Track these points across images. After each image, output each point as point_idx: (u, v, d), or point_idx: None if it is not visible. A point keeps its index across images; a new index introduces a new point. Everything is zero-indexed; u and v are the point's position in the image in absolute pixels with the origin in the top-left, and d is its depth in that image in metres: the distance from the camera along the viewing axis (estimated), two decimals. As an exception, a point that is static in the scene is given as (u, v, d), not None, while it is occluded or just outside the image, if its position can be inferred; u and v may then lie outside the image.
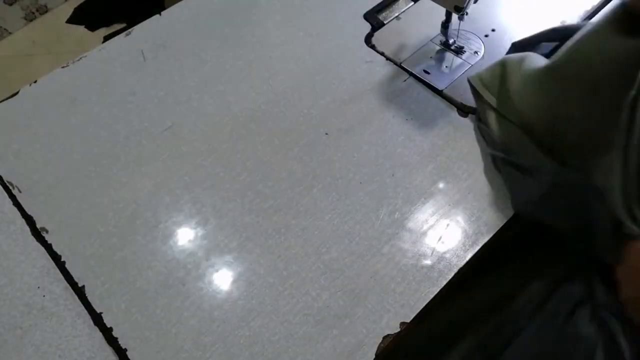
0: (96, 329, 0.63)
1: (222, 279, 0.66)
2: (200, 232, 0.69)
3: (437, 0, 0.75)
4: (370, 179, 0.72)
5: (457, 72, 0.81)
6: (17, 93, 0.81)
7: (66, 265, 0.67)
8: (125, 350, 0.61)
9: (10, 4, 1.31)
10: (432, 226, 0.68)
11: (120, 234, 0.69)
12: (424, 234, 0.68)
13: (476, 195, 0.70)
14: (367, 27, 0.88)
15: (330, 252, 0.67)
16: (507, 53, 0.77)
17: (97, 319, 0.64)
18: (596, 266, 0.62)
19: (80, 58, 0.85)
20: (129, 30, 0.88)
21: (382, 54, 0.85)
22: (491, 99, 0.71)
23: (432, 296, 0.64)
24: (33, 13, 1.36)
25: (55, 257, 0.67)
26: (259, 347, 0.61)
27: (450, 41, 0.84)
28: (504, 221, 0.67)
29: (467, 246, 0.67)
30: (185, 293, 0.65)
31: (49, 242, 0.68)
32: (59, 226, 0.70)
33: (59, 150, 0.76)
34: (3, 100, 0.82)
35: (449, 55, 0.84)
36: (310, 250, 0.68)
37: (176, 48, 0.86)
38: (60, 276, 0.66)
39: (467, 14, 0.74)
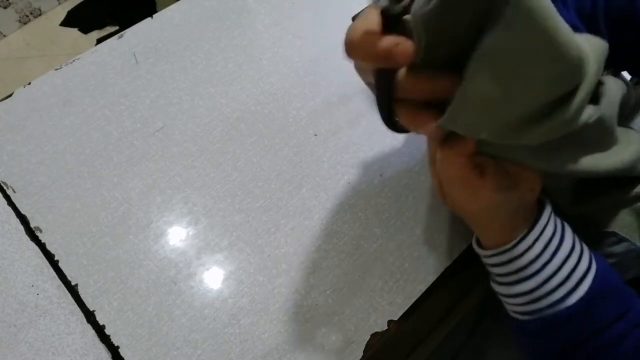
0: (89, 326, 0.64)
1: (213, 277, 0.67)
2: (191, 231, 0.70)
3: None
4: (358, 179, 0.73)
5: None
6: (11, 95, 0.82)
7: (59, 264, 0.68)
8: (118, 347, 0.62)
9: (5, 7, 1.31)
10: (419, 226, 0.69)
11: (112, 233, 0.70)
12: (412, 234, 0.69)
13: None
14: (355, 30, 0.89)
15: (319, 251, 0.68)
16: None
17: (89, 316, 0.64)
18: None
19: (74, 60, 0.86)
20: (122, 33, 0.89)
21: (370, 56, 0.86)
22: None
23: (419, 295, 0.66)
24: (27, 16, 1.36)
25: (49, 256, 0.68)
26: (249, 344, 0.62)
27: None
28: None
29: (453, 246, 0.68)
30: (177, 291, 0.66)
31: (42, 241, 0.69)
32: (52, 225, 0.70)
33: (53, 150, 0.76)
34: (-3, 102, 0.83)
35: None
36: (299, 249, 0.69)
37: (168, 50, 0.86)
38: (54, 275, 0.67)
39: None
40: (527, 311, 0.52)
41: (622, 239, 0.58)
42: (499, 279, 0.55)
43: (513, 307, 0.55)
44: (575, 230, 0.60)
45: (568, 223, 0.62)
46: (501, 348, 0.79)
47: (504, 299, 0.56)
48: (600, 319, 0.50)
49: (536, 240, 0.51)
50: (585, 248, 0.54)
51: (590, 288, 0.50)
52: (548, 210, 0.54)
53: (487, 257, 0.55)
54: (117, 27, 1.31)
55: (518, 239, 0.51)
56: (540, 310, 0.51)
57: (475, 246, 0.58)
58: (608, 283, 0.52)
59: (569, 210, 0.61)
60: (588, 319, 0.50)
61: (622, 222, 0.60)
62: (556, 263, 0.51)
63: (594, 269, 0.51)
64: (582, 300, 0.50)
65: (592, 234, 0.59)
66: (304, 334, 0.63)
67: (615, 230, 0.58)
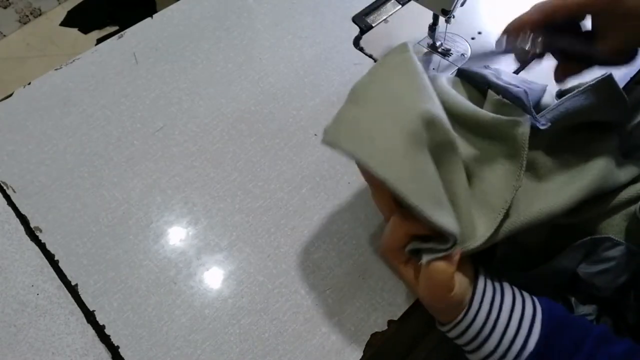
0: (89, 326, 0.64)
1: (213, 277, 0.67)
2: (191, 231, 0.70)
3: (424, 3, 0.76)
4: (358, 179, 0.73)
5: (444, 74, 0.82)
6: (11, 95, 0.82)
7: (59, 264, 0.68)
8: (118, 347, 0.62)
9: (5, 7, 1.32)
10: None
11: (112, 233, 0.70)
12: (411, 232, 0.68)
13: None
14: (355, 30, 0.89)
15: (319, 251, 0.68)
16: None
17: (89, 316, 0.64)
18: None
19: (74, 60, 0.86)
20: (122, 33, 0.89)
21: (370, 56, 0.86)
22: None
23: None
24: (27, 16, 1.37)
25: (49, 256, 0.68)
26: (249, 344, 0.62)
27: (438, 44, 0.85)
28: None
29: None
30: (177, 291, 0.66)
31: (42, 241, 0.69)
32: (52, 225, 0.70)
33: (53, 150, 0.76)
34: (-3, 102, 0.83)
35: (436, 57, 0.85)
36: (299, 249, 0.69)
37: (168, 50, 0.86)
38: (54, 275, 0.67)
39: (454, 17, 0.75)
40: None
41: (617, 243, 0.59)
42: (467, 348, 0.56)
43: None
44: (569, 239, 0.60)
45: (560, 233, 0.63)
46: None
47: None
48: (561, 352, 0.52)
49: (480, 303, 0.54)
50: (526, 294, 0.56)
51: (542, 326, 0.52)
52: (481, 274, 0.57)
53: (447, 332, 0.57)
54: (117, 27, 1.31)
55: (464, 310, 0.54)
56: None
57: (438, 326, 0.59)
58: (556, 316, 0.54)
59: (561, 220, 0.61)
60: (552, 355, 0.52)
61: (618, 227, 0.60)
62: (504, 316, 0.53)
63: (539, 309, 0.54)
64: (540, 340, 0.52)
65: (587, 241, 0.60)
66: (304, 334, 0.63)
67: (610, 235, 0.59)
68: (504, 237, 0.56)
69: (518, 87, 0.60)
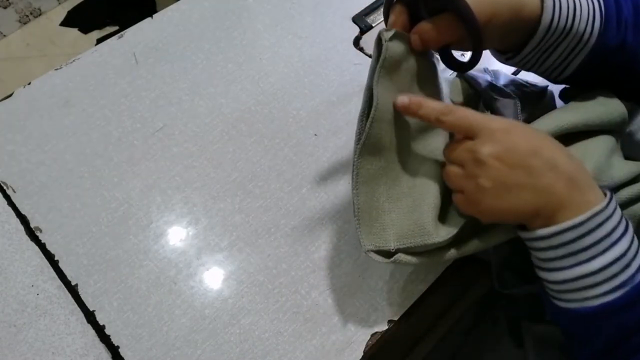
0: (89, 326, 0.64)
1: (213, 277, 0.67)
2: (192, 231, 0.70)
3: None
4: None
5: (443, 74, 0.82)
6: (11, 95, 0.82)
7: (60, 264, 0.68)
8: (118, 347, 0.62)
9: (5, 7, 1.31)
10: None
11: (112, 233, 0.70)
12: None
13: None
14: (355, 30, 0.89)
15: (319, 251, 0.68)
16: None
17: (90, 316, 0.64)
18: None
19: (74, 60, 0.86)
20: (122, 33, 0.89)
21: (370, 56, 0.85)
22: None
23: (419, 294, 0.66)
24: (27, 16, 1.36)
25: (49, 256, 0.68)
26: (249, 344, 0.62)
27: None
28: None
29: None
30: (177, 291, 0.66)
31: (42, 241, 0.69)
32: (52, 225, 0.70)
33: (53, 150, 0.76)
34: (-3, 102, 0.83)
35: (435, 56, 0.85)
36: (299, 249, 0.69)
37: (168, 50, 0.86)
38: (54, 275, 0.67)
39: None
40: (616, 285, 0.45)
41: None
42: (581, 256, 0.45)
43: (596, 289, 0.45)
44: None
45: None
46: (498, 346, 0.79)
47: (583, 282, 0.46)
48: None
49: (611, 198, 0.46)
50: None
51: None
52: None
53: (573, 228, 0.45)
54: (117, 27, 1.30)
55: (607, 198, 0.45)
56: (633, 276, 0.45)
57: (547, 229, 0.47)
58: None
59: None
60: None
61: None
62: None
63: None
64: None
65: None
66: (304, 334, 0.63)
67: None
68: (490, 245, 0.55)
69: (509, 95, 0.61)
